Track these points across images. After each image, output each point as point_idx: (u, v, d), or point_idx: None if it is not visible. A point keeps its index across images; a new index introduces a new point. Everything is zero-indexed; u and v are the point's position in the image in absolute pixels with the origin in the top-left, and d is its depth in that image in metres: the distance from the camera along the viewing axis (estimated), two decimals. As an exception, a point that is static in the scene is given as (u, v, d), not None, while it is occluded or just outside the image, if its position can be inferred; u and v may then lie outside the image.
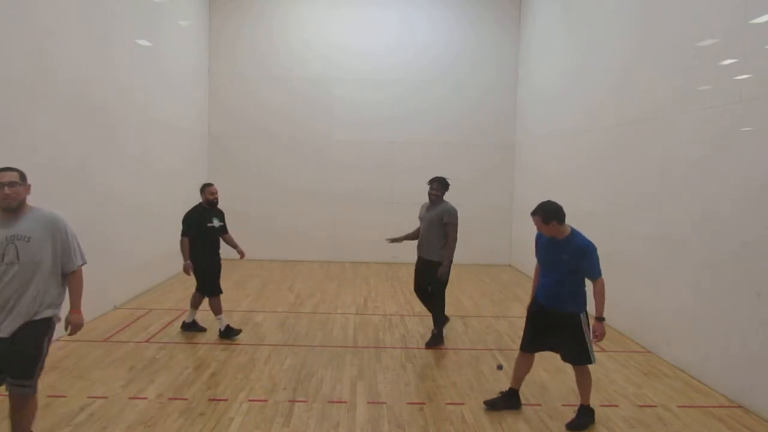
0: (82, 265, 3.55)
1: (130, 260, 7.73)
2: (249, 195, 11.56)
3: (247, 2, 11.52)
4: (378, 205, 11.59)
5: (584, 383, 4.26)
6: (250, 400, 4.52)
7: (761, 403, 4.48)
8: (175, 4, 9.68)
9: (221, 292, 6.26)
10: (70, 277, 3.52)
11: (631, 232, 6.57)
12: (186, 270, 6.05)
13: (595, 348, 4.29)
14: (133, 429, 3.98)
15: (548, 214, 4.08)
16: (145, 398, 4.51)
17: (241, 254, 6.47)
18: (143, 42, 8.22)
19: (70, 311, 3.54)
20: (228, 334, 6.12)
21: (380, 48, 11.61)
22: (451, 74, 11.71)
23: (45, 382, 4.71)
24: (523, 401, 4.57)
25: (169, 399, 4.51)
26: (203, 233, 6.09)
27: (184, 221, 6.09)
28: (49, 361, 5.10)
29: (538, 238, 4.36)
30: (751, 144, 4.67)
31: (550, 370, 5.31)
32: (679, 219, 5.64)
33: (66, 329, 3.55)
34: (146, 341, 5.97)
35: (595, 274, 4.07)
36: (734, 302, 4.78)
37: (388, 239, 6.49)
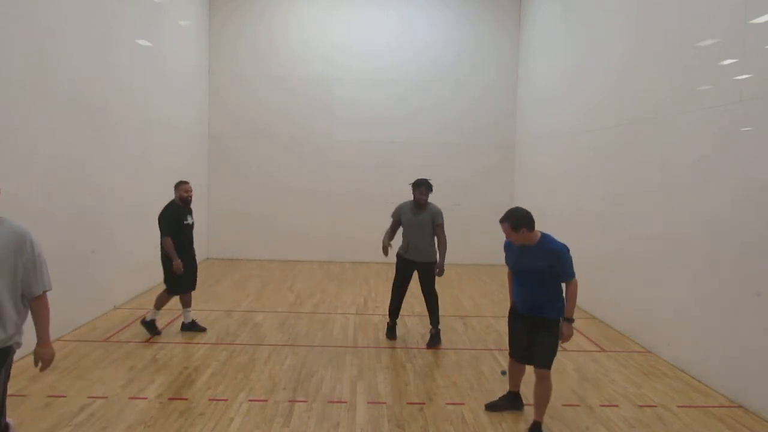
0: (48, 291, 3.07)
1: (130, 260, 7.73)
2: (249, 195, 11.58)
3: (247, 2, 11.52)
4: (378, 205, 11.49)
5: (542, 393, 4.04)
6: (250, 400, 4.52)
7: (761, 403, 4.48)
8: (175, 4, 9.68)
9: (179, 293, 6.20)
10: (34, 304, 3.01)
11: (631, 232, 6.57)
12: (177, 269, 5.99)
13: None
14: (133, 429, 3.98)
15: (517, 220, 3.95)
16: (145, 398, 4.50)
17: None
18: (143, 42, 8.22)
19: (40, 345, 3.09)
20: (148, 327, 6.10)
21: (380, 48, 11.61)
22: (451, 74, 11.70)
23: (45, 382, 4.73)
24: (523, 401, 4.56)
25: (169, 399, 4.51)
26: (179, 231, 6.06)
27: (161, 221, 5.98)
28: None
29: (508, 247, 4.22)
30: (751, 144, 4.67)
31: (550, 370, 5.30)
32: (679, 219, 5.64)
33: (36, 365, 3.13)
34: (146, 341, 5.97)
35: (570, 276, 3.98)
36: (734, 302, 4.78)
37: (386, 251, 6.09)
